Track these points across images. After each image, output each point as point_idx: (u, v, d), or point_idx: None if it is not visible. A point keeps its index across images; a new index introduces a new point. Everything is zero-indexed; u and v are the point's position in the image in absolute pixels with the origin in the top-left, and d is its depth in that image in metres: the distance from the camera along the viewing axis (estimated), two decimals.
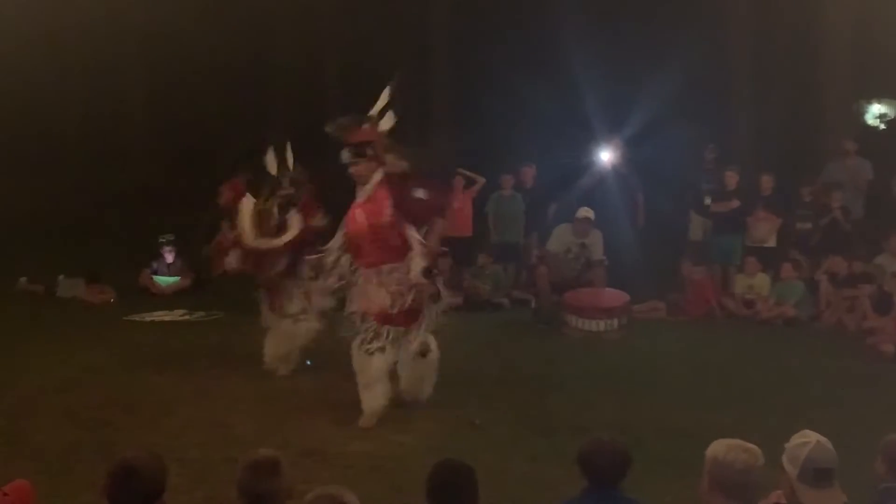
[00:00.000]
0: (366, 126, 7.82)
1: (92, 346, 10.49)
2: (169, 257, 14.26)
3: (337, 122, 7.84)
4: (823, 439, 4.07)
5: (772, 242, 13.39)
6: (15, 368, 9.56)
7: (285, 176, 9.36)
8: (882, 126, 21.13)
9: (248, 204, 9.35)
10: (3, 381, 9.05)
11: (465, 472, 4.20)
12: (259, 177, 9.42)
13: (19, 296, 13.78)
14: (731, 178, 13.55)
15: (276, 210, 9.35)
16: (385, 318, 7.95)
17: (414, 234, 7.90)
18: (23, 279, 14.16)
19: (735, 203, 13.43)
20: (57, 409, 8.34)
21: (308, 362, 9.57)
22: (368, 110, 7.85)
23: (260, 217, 9.33)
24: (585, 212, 13.07)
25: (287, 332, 9.47)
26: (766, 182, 13.54)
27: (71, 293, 13.64)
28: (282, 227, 9.32)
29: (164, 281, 14.13)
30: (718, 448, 3.94)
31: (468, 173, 14.42)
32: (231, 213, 9.50)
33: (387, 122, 7.90)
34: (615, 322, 11.71)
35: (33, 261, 14.85)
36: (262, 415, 8.28)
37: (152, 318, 12.33)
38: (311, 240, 9.10)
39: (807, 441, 4.04)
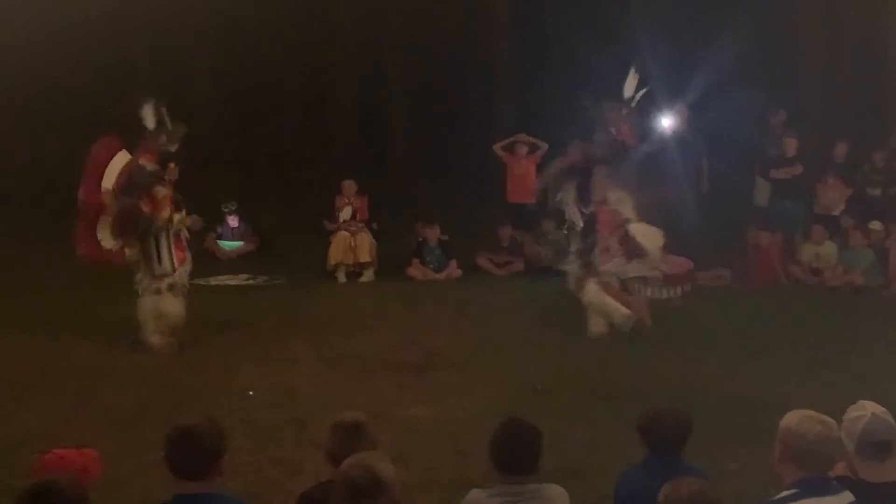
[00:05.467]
0: None
1: None
2: (233, 222, 14.33)
3: None
4: (880, 410, 3.94)
5: (840, 210, 13.12)
6: (84, 330, 9.74)
7: (163, 132, 9.03)
8: None
9: (121, 159, 8.94)
10: (72, 343, 9.23)
11: (531, 432, 4.22)
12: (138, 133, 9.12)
13: None
14: (791, 145, 13.11)
15: (150, 167, 9.04)
16: None
17: None
18: None
19: (799, 169, 13.07)
20: (125, 370, 8.52)
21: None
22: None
23: (131, 174, 8.93)
24: None
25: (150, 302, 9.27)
26: (841, 149, 13.22)
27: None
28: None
29: (229, 245, 14.24)
30: (792, 418, 3.82)
31: (531, 139, 14.33)
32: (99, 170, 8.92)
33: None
34: (679, 289, 11.59)
35: None
36: (325, 377, 8.39)
37: (217, 282, 12.47)
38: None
39: (861, 414, 3.92)
